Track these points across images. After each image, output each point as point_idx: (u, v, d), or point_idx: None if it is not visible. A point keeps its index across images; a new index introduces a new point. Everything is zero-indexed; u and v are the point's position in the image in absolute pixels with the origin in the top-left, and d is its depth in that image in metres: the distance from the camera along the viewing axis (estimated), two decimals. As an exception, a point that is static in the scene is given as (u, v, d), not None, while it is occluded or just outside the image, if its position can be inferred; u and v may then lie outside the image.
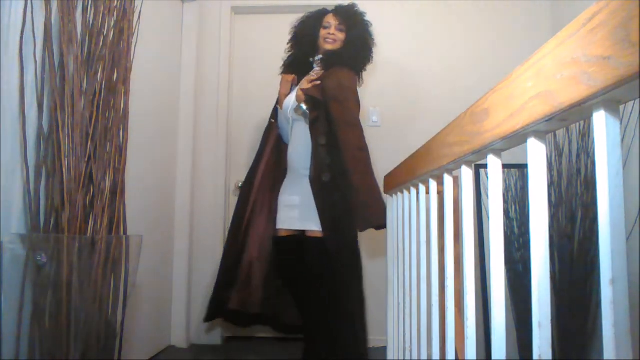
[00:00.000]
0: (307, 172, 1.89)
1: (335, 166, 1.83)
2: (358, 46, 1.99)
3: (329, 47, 2.01)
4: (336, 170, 1.83)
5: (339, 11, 2.05)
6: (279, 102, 2.17)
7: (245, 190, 2.08)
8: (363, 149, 1.82)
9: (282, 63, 2.20)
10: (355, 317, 1.83)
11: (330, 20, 2.03)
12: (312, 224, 1.86)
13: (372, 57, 2.07)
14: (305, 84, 2.01)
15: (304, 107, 1.94)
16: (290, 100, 2.06)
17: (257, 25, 2.86)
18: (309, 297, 1.91)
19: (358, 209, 1.73)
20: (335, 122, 1.83)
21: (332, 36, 2.00)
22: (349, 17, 2.03)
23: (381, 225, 1.73)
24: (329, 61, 1.98)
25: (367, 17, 2.10)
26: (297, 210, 1.94)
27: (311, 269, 1.87)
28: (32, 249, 1.28)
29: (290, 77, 2.15)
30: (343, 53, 1.98)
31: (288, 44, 2.16)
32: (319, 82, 1.94)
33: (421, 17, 2.73)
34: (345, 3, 2.15)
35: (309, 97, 1.92)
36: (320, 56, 2.04)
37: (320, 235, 1.84)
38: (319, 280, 1.85)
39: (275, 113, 2.21)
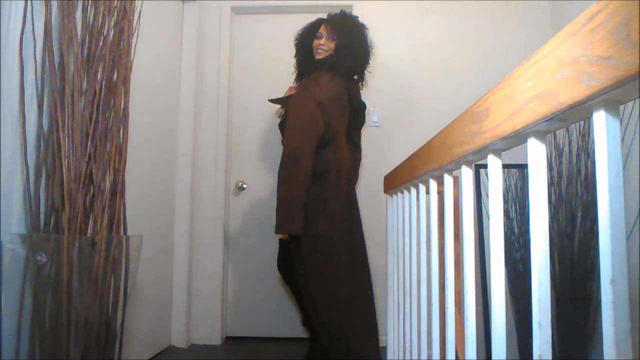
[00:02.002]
0: None
1: None
2: (345, 51, 2.00)
3: (319, 57, 2.05)
4: None
5: (330, 21, 2.08)
6: None
7: None
8: (297, 156, 1.80)
9: (282, 64, 2.27)
10: (328, 318, 1.82)
11: (322, 30, 2.07)
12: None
13: (368, 60, 2.08)
14: (290, 90, 2.09)
15: (283, 110, 2.06)
16: None
17: (257, 25, 2.86)
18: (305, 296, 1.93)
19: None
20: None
21: (322, 46, 2.04)
22: (339, 25, 2.05)
23: (288, 233, 1.79)
24: (317, 69, 2.02)
25: (364, 20, 2.13)
26: None
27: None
28: (32, 249, 1.28)
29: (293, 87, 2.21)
30: (328, 59, 2.01)
31: (294, 56, 2.22)
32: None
33: (421, 17, 2.73)
34: (338, 4, 2.16)
35: (283, 103, 2.03)
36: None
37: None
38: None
39: None
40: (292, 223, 1.76)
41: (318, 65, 2.00)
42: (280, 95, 2.27)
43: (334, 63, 1.97)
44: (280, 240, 2.08)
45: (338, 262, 1.85)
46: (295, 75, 2.22)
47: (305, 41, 2.12)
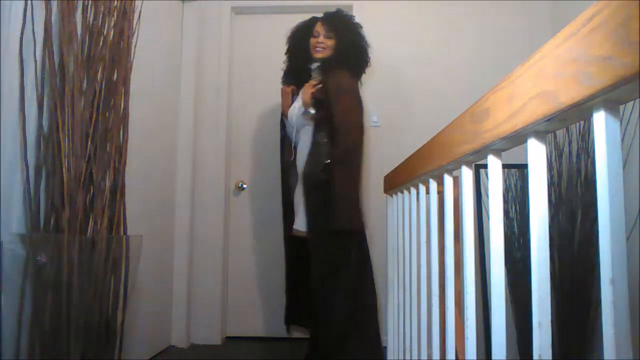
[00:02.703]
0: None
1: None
2: (349, 50, 2.01)
3: (319, 55, 2.04)
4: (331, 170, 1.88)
5: (326, 19, 2.07)
6: (283, 114, 2.21)
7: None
8: (353, 152, 1.83)
9: (281, 68, 2.23)
10: (347, 318, 1.84)
11: (319, 28, 2.07)
12: (301, 224, 1.94)
13: (369, 58, 2.09)
14: (308, 89, 2.02)
15: (312, 111, 1.97)
16: (294, 109, 2.08)
17: (257, 25, 2.86)
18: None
19: (332, 209, 1.80)
20: (334, 123, 1.86)
21: (321, 44, 2.04)
22: (336, 23, 2.05)
23: (345, 229, 1.78)
24: (326, 68, 2.01)
25: (364, 20, 2.14)
26: (298, 212, 2.01)
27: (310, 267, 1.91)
28: (32, 249, 1.28)
29: (290, 89, 2.17)
30: (337, 58, 2.01)
31: (285, 54, 2.20)
32: (320, 85, 1.98)
33: (421, 17, 2.73)
34: (338, 4, 2.16)
35: (314, 100, 1.96)
36: (316, 64, 2.07)
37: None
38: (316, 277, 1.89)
39: (282, 125, 2.25)
40: (358, 219, 1.80)
41: (330, 64, 1.99)
42: (278, 96, 2.26)
43: (344, 60, 1.99)
44: (293, 238, 2.04)
45: (360, 259, 1.91)
46: (286, 74, 2.19)
47: (301, 40, 2.11)
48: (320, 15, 2.13)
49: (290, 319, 2.15)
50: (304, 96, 1.99)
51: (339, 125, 1.84)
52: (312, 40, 2.06)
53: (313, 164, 1.89)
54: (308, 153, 1.94)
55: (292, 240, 2.08)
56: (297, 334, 2.65)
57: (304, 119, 2.01)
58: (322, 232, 1.83)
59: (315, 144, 1.91)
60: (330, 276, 1.85)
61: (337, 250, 1.85)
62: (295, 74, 2.15)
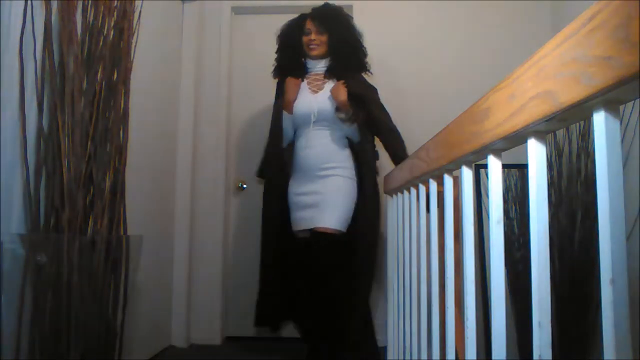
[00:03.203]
0: (324, 172, 1.99)
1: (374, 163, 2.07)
2: (349, 47, 2.04)
3: (314, 53, 2.06)
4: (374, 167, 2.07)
5: (315, 15, 2.07)
6: (285, 107, 2.13)
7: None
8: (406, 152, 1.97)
9: (272, 64, 2.27)
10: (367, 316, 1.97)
11: (309, 26, 2.07)
12: (334, 221, 1.91)
13: (366, 49, 2.12)
14: (342, 89, 1.97)
15: (349, 112, 1.98)
16: (310, 103, 2.05)
17: (257, 25, 2.86)
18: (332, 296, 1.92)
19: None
20: (385, 125, 1.99)
21: (314, 42, 2.05)
22: (326, 19, 2.06)
23: None
24: (335, 69, 2.05)
25: (359, 20, 2.19)
26: (317, 209, 1.95)
27: (328, 266, 1.90)
28: (32, 249, 1.27)
29: (298, 81, 2.12)
30: (343, 58, 2.04)
31: (276, 52, 2.21)
32: (346, 87, 1.99)
33: (421, 16, 2.73)
34: (342, 4, 2.17)
35: (354, 102, 1.97)
36: (324, 67, 2.10)
37: (334, 232, 1.91)
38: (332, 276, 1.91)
39: (279, 117, 2.20)
40: None
41: (339, 64, 2.04)
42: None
43: (350, 61, 2.05)
44: (303, 238, 2.02)
45: None
46: (278, 69, 2.20)
47: (293, 39, 2.11)
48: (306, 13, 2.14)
49: (265, 319, 2.11)
50: (340, 97, 1.96)
51: (393, 126, 2.01)
52: (305, 39, 2.07)
53: (369, 163, 1.99)
54: (362, 154, 2.01)
55: (303, 240, 2.03)
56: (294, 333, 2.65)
57: (337, 118, 2.00)
58: (374, 231, 1.98)
59: (365, 143, 1.99)
60: (369, 273, 1.95)
61: (374, 245, 2.02)
62: (289, 69, 2.15)
